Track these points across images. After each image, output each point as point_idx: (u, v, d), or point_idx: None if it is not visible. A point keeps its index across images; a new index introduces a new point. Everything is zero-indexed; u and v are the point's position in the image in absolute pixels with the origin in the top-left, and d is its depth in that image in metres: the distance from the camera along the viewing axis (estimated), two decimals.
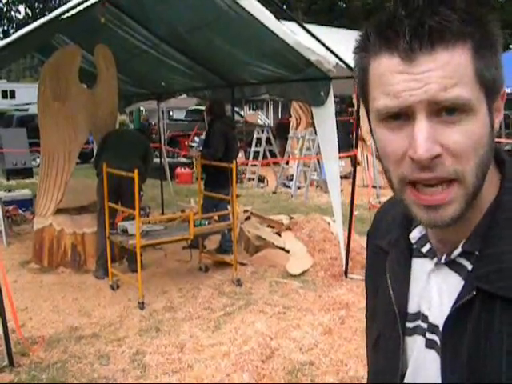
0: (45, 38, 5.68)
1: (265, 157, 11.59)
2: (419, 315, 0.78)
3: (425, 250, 0.79)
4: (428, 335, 0.76)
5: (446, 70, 0.63)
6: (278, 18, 4.43)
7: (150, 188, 8.41)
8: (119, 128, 7.63)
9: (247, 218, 6.68)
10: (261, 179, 11.34)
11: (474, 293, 0.68)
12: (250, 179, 11.45)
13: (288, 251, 5.70)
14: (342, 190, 5.83)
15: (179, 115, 20.02)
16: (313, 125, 7.86)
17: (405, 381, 0.79)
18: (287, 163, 10.94)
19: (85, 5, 3.68)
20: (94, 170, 5.48)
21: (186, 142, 14.30)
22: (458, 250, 0.73)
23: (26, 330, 4.03)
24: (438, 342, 0.73)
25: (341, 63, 4.67)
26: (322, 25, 8.59)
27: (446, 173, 0.65)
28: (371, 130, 0.72)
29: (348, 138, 10.85)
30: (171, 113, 20.18)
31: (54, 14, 3.70)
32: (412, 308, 0.79)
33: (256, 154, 11.55)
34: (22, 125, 13.18)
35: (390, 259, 0.84)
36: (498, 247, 0.69)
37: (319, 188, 10.27)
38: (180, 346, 3.79)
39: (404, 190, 0.69)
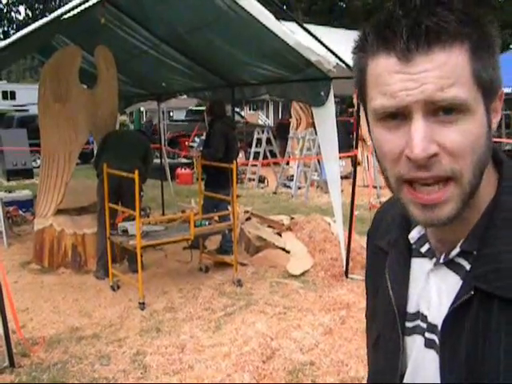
0: (45, 39, 5.69)
1: (265, 157, 11.59)
2: (418, 315, 0.78)
3: (424, 250, 0.79)
4: (427, 335, 0.76)
5: (442, 70, 0.63)
6: (277, 18, 4.43)
7: (150, 188, 8.41)
8: (119, 129, 7.64)
9: (248, 219, 6.68)
10: (261, 179, 11.33)
11: (472, 292, 0.69)
12: (250, 179, 11.44)
13: (288, 251, 5.70)
14: (342, 191, 5.83)
15: (179, 116, 20.02)
16: (313, 125, 7.85)
17: (404, 380, 0.79)
18: (287, 163, 10.94)
19: (85, 5, 3.69)
20: (95, 171, 5.48)
21: (187, 143, 14.31)
22: (457, 250, 0.73)
23: (27, 330, 4.03)
24: (437, 341, 0.73)
25: (341, 63, 4.67)
26: (322, 25, 8.59)
27: (442, 171, 0.65)
28: (369, 130, 0.73)
29: (348, 139, 10.86)
30: (171, 113, 20.19)
31: (54, 15, 3.71)
32: (411, 308, 0.79)
33: (256, 154, 11.55)
34: (23, 126, 13.20)
35: (390, 259, 0.84)
36: (495, 247, 0.69)
37: (319, 188, 10.26)
38: (181, 346, 3.79)
39: (401, 188, 0.70)
